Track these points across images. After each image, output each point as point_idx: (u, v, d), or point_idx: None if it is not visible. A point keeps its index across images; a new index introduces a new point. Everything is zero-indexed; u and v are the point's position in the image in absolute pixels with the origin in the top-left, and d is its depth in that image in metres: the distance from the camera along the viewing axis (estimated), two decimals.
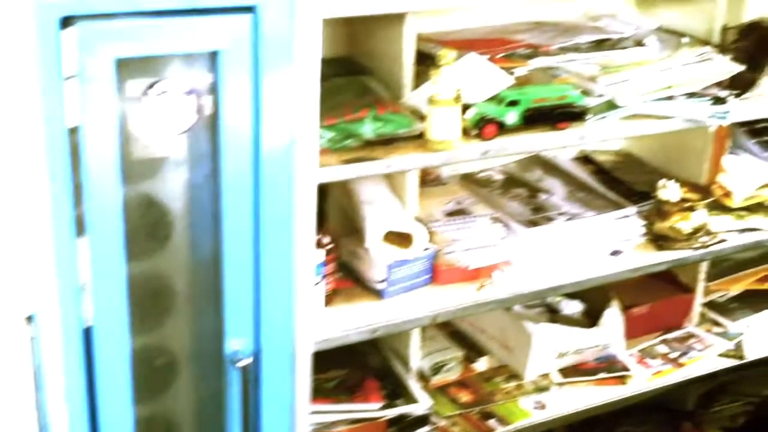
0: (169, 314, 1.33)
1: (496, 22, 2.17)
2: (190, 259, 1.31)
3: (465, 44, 1.98)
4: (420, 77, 1.85)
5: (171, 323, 1.33)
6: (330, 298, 1.86)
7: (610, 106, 1.93)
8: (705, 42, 2.16)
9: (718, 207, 2.23)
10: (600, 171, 2.33)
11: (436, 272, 1.95)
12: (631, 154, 2.44)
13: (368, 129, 1.75)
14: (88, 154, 1.14)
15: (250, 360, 1.31)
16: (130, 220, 1.21)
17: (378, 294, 1.89)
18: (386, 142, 1.78)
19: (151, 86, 1.16)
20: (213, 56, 1.17)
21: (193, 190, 1.27)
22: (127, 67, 1.14)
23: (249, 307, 1.32)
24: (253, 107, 1.21)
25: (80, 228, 1.17)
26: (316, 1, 1.23)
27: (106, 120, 1.14)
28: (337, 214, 1.99)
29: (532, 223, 2.05)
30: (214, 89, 1.19)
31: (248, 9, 1.16)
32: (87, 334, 1.22)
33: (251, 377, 1.32)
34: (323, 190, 1.89)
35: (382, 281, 1.89)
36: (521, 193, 2.22)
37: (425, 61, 1.85)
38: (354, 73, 1.94)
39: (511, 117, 1.85)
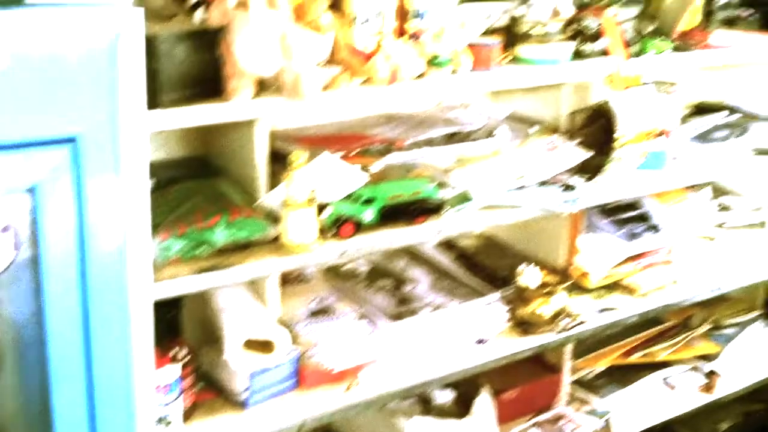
0: None
1: (352, 115, 2.18)
2: (17, 394, 1.21)
3: (319, 141, 1.98)
4: (276, 176, 1.81)
5: None
6: (189, 413, 1.78)
7: (465, 198, 1.96)
8: (554, 128, 2.23)
9: (577, 288, 2.28)
10: (462, 256, 2.35)
11: (301, 376, 1.89)
12: (492, 237, 2.48)
13: (220, 236, 1.70)
14: None
15: None
16: None
17: (241, 405, 1.82)
18: (241, 247, 1.73)
19: None
20: (30, 189, 1.10)
21: (16, 326, 1.18)
22: None
23: None
24: (78, 235, 1.14)
25: None
26: (142, 118, 1.17)
27: None
28: (197, 322, 1.91)
29: (398, 317, 2.03)
30: (33, 223, 1.12)
31: (68, 140, 1.10)
32: None
33: None
34: (178, 300, 1.82)
35: (245, 391, 1.81)
36: (386, 284, 2.21)
37: (280, 160, 1.83)
38: (207, 175, 1.90)
39: (368, 215, 1.84)
